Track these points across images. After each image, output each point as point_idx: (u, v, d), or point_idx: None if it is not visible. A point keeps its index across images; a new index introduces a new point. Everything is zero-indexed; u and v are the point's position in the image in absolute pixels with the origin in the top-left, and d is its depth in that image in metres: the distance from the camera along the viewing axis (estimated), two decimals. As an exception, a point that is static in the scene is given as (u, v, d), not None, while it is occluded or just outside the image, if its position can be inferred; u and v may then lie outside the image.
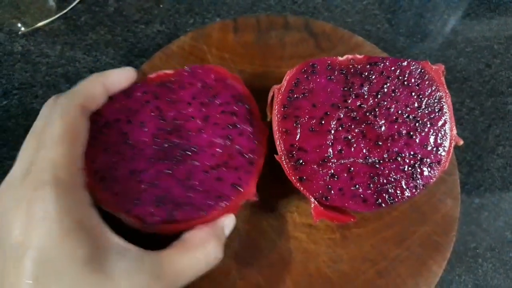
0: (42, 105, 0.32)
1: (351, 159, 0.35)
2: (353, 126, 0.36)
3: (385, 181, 0.35)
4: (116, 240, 0.27)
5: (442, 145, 0.36)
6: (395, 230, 0.39)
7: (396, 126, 0.36)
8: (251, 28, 0.49)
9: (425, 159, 0.35)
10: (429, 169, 0.35)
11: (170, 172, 0.33)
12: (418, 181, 0.35)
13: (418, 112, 0.37)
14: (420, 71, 0.38)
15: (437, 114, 0.37)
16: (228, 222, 0.33)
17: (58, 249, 0.23)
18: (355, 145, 0.35)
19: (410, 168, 0.35)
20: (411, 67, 0.38)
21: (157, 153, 0.34)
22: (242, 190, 0.33)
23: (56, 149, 0.26)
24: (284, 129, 0.35)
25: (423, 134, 0.36)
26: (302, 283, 0.37)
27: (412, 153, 0.36)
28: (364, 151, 0.35)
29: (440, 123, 0.36)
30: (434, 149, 0.36)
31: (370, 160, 0.35)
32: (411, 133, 0.36)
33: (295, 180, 0.34)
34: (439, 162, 0.35)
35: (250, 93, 0.38)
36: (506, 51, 0.57)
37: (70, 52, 0.53)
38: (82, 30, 0.55)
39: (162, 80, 0.37)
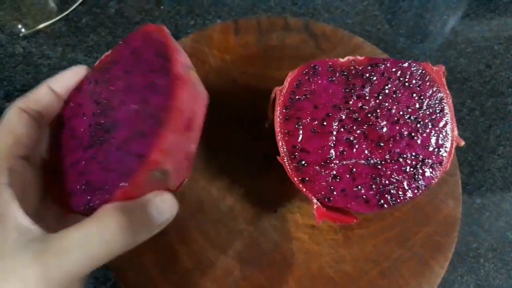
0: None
1: (353, 160, 0.35)
2: (354, 127, 0.36)
3: (387, 182, 0.35)
4: (20, 221, 0.25)
5: (444, 146, 0.36)
6: (397, 231, 0.39)
7: (397, 127, 0.36)
8: (252, 30, 0.49)
9: (426, 160, 0.36)
10: (430, 170, 0.35)
11: (94, 157, 0.30)
12: (420, 182, 0.35)
13: (419, 113, 0.37)
14: (421, 72, 0.38)
15: (438, 115, 0.37)
16: (159, 202, 0.27)
17: None
18: (357, 146, 0.36)
19: (412, 169, 0.35)
20: (412, 68, 0.38)
21: (90, 140, 0.31)
22: (145, 159, 0.27)
23: None
24: (286, 131, 0.35)
25: (424, 135, 0.36)
26: (304, 283, 0.37)
27: (413, 154, 0.36)
28: (366, 152, 0.35)
29: (441, 124, 0.37)
30: (436, 150, 0.36)
31: (372, 161, 0.35)
32: (413, 134, 0.36)
33: (297, 181, 0.35)
34: (440, 163, 0.36)
35: (176, 44, 0.32)
36: (506, 52, 0.57)
37: (71, 53, 0.53)
38: (83, 31, 0.55)
39: (104, 64, 0.34)
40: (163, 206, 0.27)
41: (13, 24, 0.55)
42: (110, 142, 0.29)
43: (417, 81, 0.38)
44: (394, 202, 0.34)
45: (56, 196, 0.31)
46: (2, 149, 0.28)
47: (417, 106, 0.37)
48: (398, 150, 0.36)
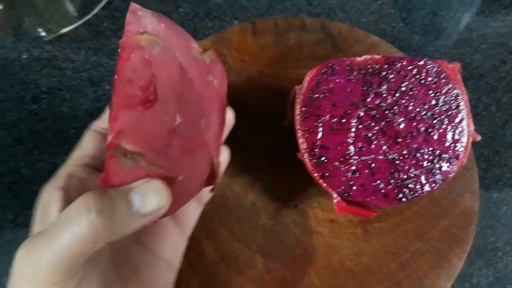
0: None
1: (372, 156, 0.36)
2: (373, 124, 0.37)
3: (405, 176, 0.36)
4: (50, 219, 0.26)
5: (460, 140, 0.37)
6: (416, 224, 0.40)
7: (414, 123, 0.37)
8: (270, 31, 0.51)
9: (443, 155, 0.36)
10: (447, 164, 0.36)
11: None
12: (437, 176, 0.36)
13: (436, 110, 0.38)
14: (437, 70, 0.39)
15: (454, 111, 0.38)
16: (140, 190, 0.25)
17: None
18: (375, 142, 0.37)
19: (429, 164, 0.36)
20: (428, 66, 0.39)
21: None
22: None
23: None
24: (306, 128, 0.37)
25: (441, 130, 0.37)
26: (325, 275, 0.38)
27: (430, 149, 0.37)
28: (384, 148, 0.37)
29: (457, 120, 0.37)
30: (452, 145, 0.37)
31: (390, 157, 0.36)
32: (429, 130, 0.37)
33: (317, 177, 0.36)
34: (457, 157, 0.36)
35: (139, 13, 0.27)
36: (521, 47, 0.57)
37: (94, 56, 0.55)
38: (105, 35, 0.57)
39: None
40: (146, 195, 0.25)
41: (37, 30, 0.57)
42: None
43: (433, 78, 0.38)
44: (412, 196, 0.35)
45: None
46: (70, 161, 0.30)
47: (433, 102, 0.38)
48: (415, 145, 0.37)
